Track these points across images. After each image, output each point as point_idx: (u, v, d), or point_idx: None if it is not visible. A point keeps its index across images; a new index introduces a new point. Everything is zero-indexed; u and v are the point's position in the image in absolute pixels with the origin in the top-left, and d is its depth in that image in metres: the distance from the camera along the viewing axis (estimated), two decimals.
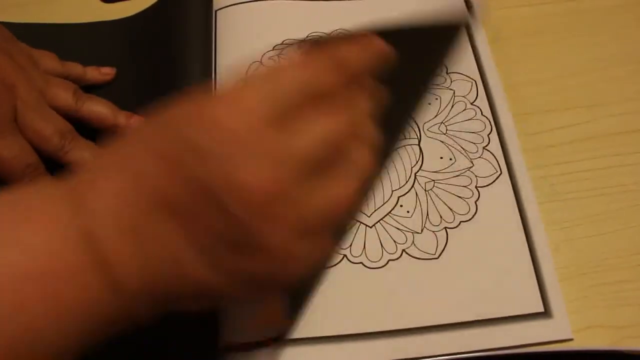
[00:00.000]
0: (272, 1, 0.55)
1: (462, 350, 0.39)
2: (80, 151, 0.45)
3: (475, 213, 0.44)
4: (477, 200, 0.45)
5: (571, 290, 0.42)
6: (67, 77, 0.49)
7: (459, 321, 0.40)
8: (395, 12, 0.55)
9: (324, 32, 0.54)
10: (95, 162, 0.30)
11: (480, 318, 0.40)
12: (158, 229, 0.27)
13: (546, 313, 0.40)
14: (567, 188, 0.46)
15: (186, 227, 0.27)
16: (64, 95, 0.46)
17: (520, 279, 0.42)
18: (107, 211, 0.27)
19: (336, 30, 0.54)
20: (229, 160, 0.26)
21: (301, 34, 0.54)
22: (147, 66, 0.52)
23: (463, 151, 0.47)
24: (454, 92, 0.50)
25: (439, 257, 0.43)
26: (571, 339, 0.40)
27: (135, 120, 0.48)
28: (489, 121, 0.49)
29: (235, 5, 0.55)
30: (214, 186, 0.26)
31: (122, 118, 0.48)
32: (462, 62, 0.52)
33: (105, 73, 0.52)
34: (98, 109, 0.47)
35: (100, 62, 0.52)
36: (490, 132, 0.48)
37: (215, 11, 0.55)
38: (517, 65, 0.52)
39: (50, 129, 0.44)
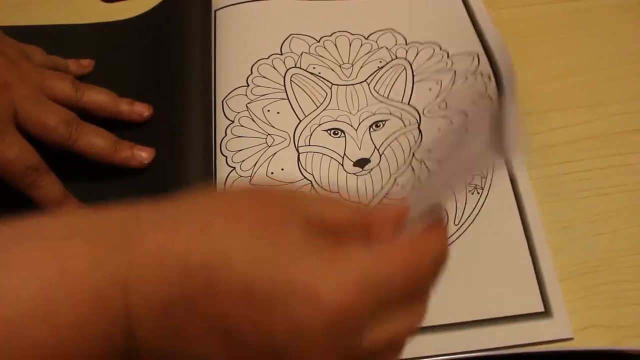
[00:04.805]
0: (272, 1, 0.55)
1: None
2: (88, 137, 0.44)
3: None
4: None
5: (571, 290, 0.42)
6: (53, 69, 0.48)
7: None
8: (394, 13, 0.55)
9: (324, 32, 0.54)
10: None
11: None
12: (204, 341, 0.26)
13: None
14: (567, 188, 0.46)
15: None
16: (62, 87, 0.46)
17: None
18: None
19: (336, 32, 0.54)
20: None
21: (301, 34, 0.54)
22: (147, 67, 0.52)
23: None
24: None
25: None
26: (571, 339, 0.40)
27: (139, 106, 0.48)
28: None
29: (235, 5, 0.55)
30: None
31: (124, 105, 0.48)
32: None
33: (84, 66, 0.52)
34: (98, 97, 0.47)
35: (99, 63, 0.52)
36: None
37: (215, 11, 0.55)
38: (517, 65, 0.52)
39: (54, 120, 0.43)
